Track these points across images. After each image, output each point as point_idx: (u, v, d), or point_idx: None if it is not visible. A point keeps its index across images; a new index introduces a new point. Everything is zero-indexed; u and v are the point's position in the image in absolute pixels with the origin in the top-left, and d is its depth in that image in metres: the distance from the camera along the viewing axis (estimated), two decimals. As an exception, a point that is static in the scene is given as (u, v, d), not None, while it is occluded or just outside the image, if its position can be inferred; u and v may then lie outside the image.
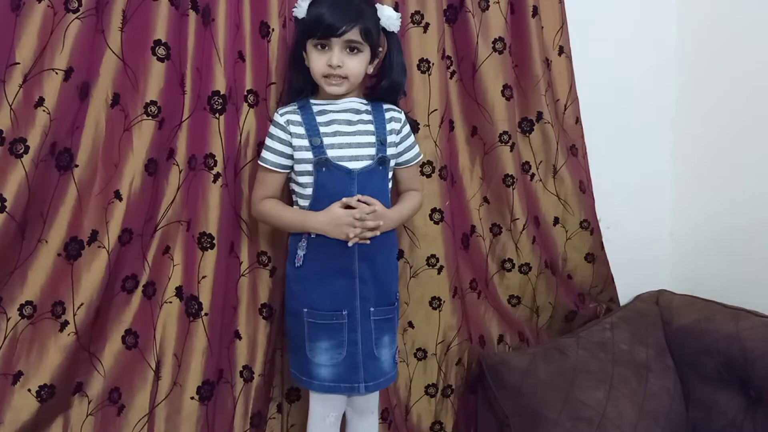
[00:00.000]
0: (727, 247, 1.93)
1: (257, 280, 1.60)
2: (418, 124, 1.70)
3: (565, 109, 1.88)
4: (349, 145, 1.43)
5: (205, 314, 1.52)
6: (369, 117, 1.47)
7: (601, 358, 1.72)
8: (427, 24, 1.70)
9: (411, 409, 1.78)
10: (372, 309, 1.42)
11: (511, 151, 1.79)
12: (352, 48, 1.39)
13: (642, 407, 1.62)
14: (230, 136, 1.53)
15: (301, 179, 1.44)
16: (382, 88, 1.50)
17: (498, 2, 1.74)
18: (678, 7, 2.02)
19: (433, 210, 1.73)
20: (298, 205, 1.47)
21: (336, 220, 1.37)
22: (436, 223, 1.74)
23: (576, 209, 1.91)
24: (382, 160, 1.45)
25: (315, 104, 1.46)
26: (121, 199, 1.47)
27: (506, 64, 1.77)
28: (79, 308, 1.44)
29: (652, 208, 2.08)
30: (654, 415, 1.63)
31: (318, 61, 1.40)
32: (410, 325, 1.76)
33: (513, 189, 1.81)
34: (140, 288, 1.52)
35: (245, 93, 1.54)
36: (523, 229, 1.83)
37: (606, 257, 1.97)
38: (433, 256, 1.75)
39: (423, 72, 1.70)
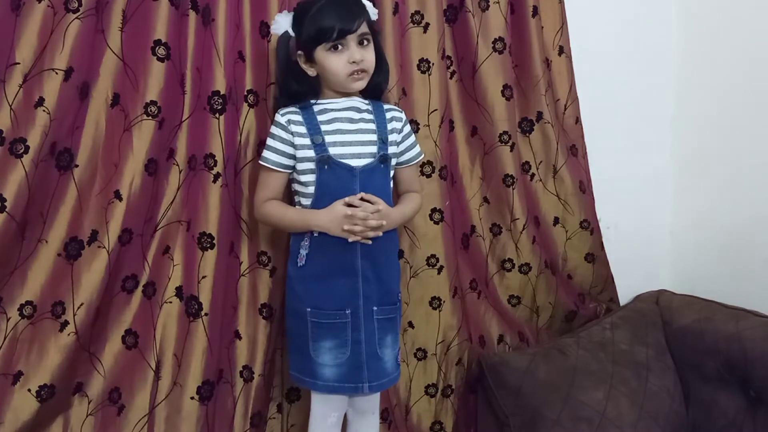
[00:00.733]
0: (728, 247, 1.93)
1: (257, 280, 1.60)
2: (418, 124, 1.70)
3: (565, 109, 1.88)
4: (351, 143, 1.43)
5: (205, 314, 1.51)
6: (370, 116, 1.48)
7: (601, 358, 1.72)
8: (427, 24, 1.70)
9: (411, 409, 1.78)
10: (375, 308, 1.42)
11: (511, 151, 1.79)
12: (363, 41, 1.40)
13: (642, 407, 1.62)
14: (230, 136, 1.53)
15: (303, 178, 1.44)
16: (378, 83, 1.49)
17: (498, 2, 1.74)
18: (678, 7, 2.02)
19: (433, 210, 1.73)
20: (300, 204, 1.47)
21: (339, 218, 1.37)
22: (436, 223, 1.74)
23: (576, 209, 1.91)
24: (383, 158, 1.45)
25: (316, 104, 1.46)
26: (121, 199, 1.47)
27: (506, 64, 1.77)
28: (79, 308, 1.44)
29: (652, 208, 2.08)
30: (654, 415, 1.63)
31: (338, 62, 1.39)
32: (410, 325, 1.76)
33: (513, 189, 1.81)
34: (140, 288, 1.52)
35: (245, 93, 1.54)
36: (523, 229, 1.83)
37: (606, 257, 1.97)
38: (433, 256, 1.75)
39: (423, 72, 1.70)
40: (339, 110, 1.46)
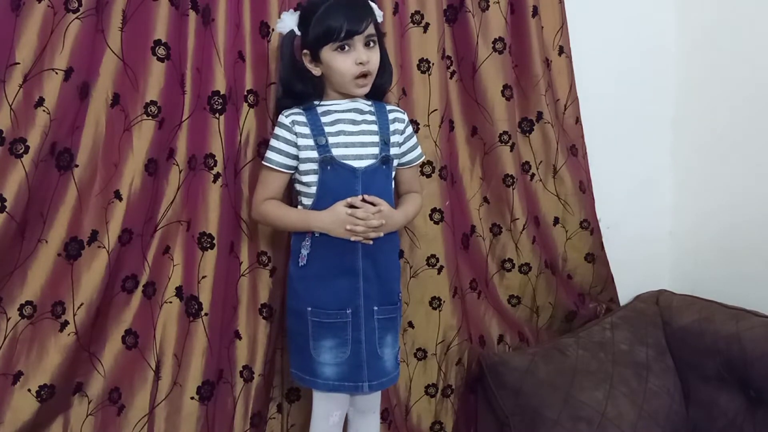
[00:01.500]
0: (728, 247, 1.93)
1: (257, 280, 1.60)
2: (418, 124, 1.70)
3: (565, 109, 1.88)
4: (353, 144, 1.43)
5: (205, 314, 1.52)
6: (373, 117, 1.48)
7: (601, 358, 1.72)
8: (427, 24, 1.70)
9: (411, 409, 1.78)
10: (376, 308, 1.43)
11: (511, 151, 1.79)
12: (370, 42, 1.40)
13: (642, 407, 1.62)
14: (230, 136, 1.53)
15: (306, 178, 1.44)
16: (381, 84, 1.49)
17: (498, 2, 1.74)
18: (677, 7, 2.02)
19: (433, 210, 1.73)
20: (302, 204, 1.47)
21: (340, 219, 1.38)
22: (436, 223, 1.74)
23: (576, 209, 1.91)
24: (385, 159, 1.45)
25: (319, 105, 1.46)
26: (121, 199, 1.47)
27: (506, 64, 1.77)
28: (79, 308, 1.44)
29: (652, 208, 2.08)
30: (654, 415, 1.63)
31: (345, 62, 1.39)
32: (410, 325, 1.76)
33: (513, 189, 1.81)
34: (140, 288, 1.52)
35: (245, 93, 1.54)
36: (523, 229, 1.83)
37: (606, 257, 1.97)
38: (433, 256, 1.75)
39: (423, 72, 1.70)
40: (342, 111, 1.46)
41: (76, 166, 1.43)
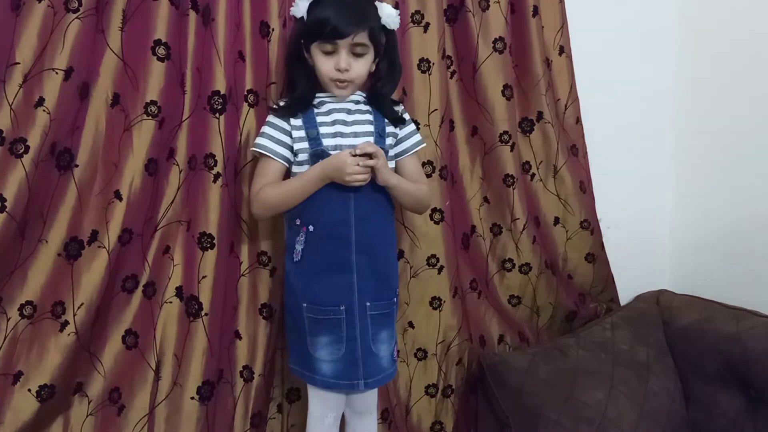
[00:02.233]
0: (727, 247, 1.92)
1: (257, 280, 1.60)
2: (418, 123, 1.70)
3: (566, 109, 1.88)
4: (347, 135, 1.42)
5: (205, 314, 1.51)
6: (367, 107, 1.48)
7: (601, 358, 1.72)
8: (428, 24, 1.70)
9: (411, 409, 1.78)
10: (368, 303, 1.41)
11: (511, 151, 1.79)
12: (358, 51, 1.39)
13: (642, 407, 1.62)
14: (230, 136, 1.53)
15: (300, 171, 1.43)
16: (383, 92, 1.49)
17: (498, 2, 1.74)
18: (679, 7, 2.02)
19: (434, 210, 1.73)
20: None
21: (340, 162, 1.34)
22: (437, 223, 1.74)
23: (576, 209, 1.91)
24: None
25: (315, 98, 1.46)
26: (121, 199, 1.47)
27: (506, 64, 1.77)
28: (79, 308, 1.44)
29: (652, 208, 2.08)
30: (654, 415, 1.63)
31: (325, 64, 1.40)
32: (410, 325, 1.76)
33: (513, 189, 1.81)
34: (140, 288, 1.52)
35: (245, 93, 1.54)
36: (524, 229, 1.83)
37: (606, 257, 1.97)
38: (433, 256, 1.74)
39: (423, 72, 1.70)
40: (336, 102, 1.45)
41: (76, 166, 1.43)
